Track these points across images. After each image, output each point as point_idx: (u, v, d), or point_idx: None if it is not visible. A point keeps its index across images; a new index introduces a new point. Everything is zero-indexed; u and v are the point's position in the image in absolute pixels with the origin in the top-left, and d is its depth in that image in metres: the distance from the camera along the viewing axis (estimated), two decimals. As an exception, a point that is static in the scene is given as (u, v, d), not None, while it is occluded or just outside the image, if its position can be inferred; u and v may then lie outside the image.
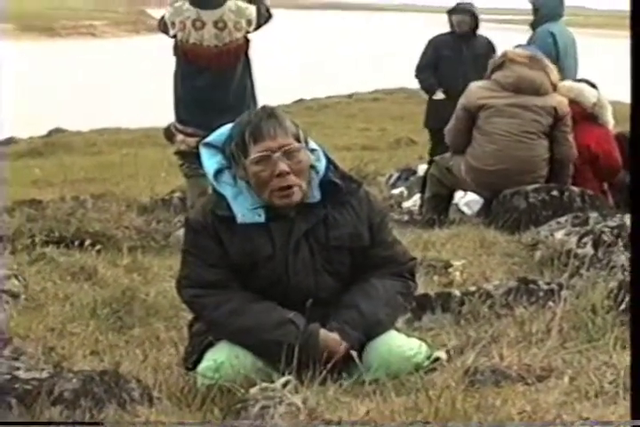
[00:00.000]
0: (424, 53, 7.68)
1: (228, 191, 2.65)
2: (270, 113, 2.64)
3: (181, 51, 5.50)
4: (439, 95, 7.47)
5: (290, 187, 2.60)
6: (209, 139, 2.75)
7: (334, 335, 2.59)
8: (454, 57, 7.43)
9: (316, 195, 2.67)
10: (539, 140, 5.15)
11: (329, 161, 2.74)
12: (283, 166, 2.58)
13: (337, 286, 2.70)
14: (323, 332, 2.59)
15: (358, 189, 2.74)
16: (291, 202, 2.62)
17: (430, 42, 7.71)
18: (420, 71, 7.66)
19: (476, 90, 5.27)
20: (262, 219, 2.63)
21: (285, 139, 2.60)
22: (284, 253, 2.64)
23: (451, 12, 7.60)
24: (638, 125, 1.94)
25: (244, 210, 2.63)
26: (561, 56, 6.74)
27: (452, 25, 7.61)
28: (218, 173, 2.68)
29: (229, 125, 2.72)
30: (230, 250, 2.64)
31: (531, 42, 6.80)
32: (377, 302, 2.67)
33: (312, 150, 2.70)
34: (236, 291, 2.65)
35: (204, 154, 2.73)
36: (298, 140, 2.64)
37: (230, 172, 2.67)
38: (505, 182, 5.01)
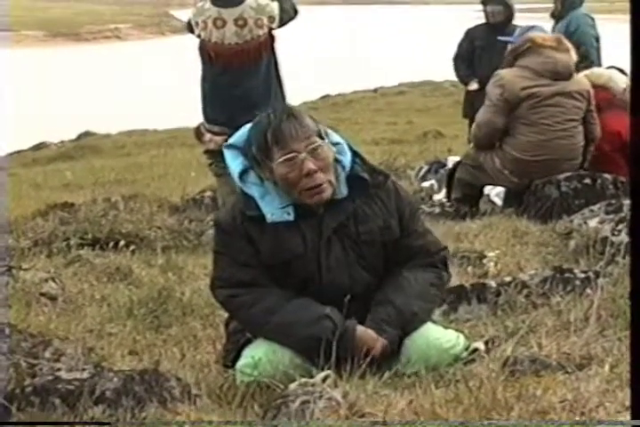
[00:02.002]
0: (460, 44, 7.81)
1: (255, 191, 2.65)
2: (289, 113, 2.61)
3: (204, 50, 5.52)
4: (473, 86, 7.54)
5: (320, 185, 2.59)
6: (231, 140, 2.75)
7: (371, 332, 2.58)
8: (488, 47, 7.45)
9: (344, 190, 2.66)
10: (579, 126, 5.10)
11: (354, 154, 2.72)
12: (310, 165, 2.57)
13: (372, 281, 2.69)
14: (359, 328, 2.58)
15: (386, 181, 2.73)
16: (322, 199, 2.61)
17: (466, 33, 7.82)
18: (456, 62, 7.79)
19: (515, 79, 5.06)
20: (292, 217, 2.62)
21: (308, 137, 2.59)
22: (315, 251, 2.64)
23: (485, 2, 7.62)
24: (638, 127, 1.89)
25: (273, 209, 2.62)
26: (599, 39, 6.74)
27: (486, 15, 7.63)
28: (243, 173, 2.67)
29: (249, 126, 2.71)
30: (262, 249, 2.64)
31: (567, 28, 6.76)
32: (411, 296, 2.66)
33: (335, 144, 2.68)
34: (270, 289, 2.65)
35: (228, 156, 2.73)
36: (320, 136, 2.62)
37: (255, 172, 2.66)
38: (548, 172, 4.92)
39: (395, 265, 2.71)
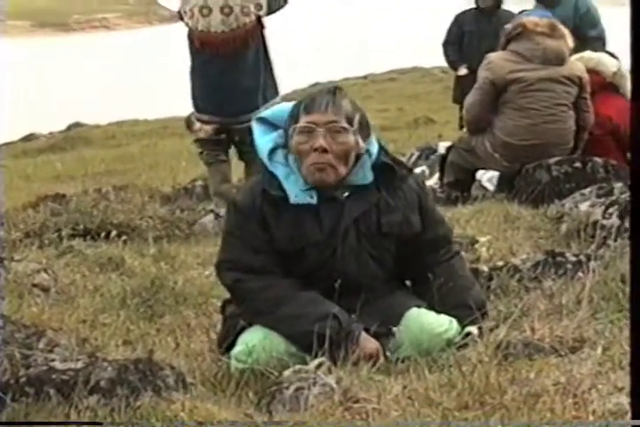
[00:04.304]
0: (449, 29, 7.86)
1: (279, 171, 2.61)
2: (331, 89, 2.63)
3: (192, 38, 5.51)
4: (462, 71, 7.57)
5: (323, 163, 2.55)
6: (264, 114, 2.72)
7: (374, 342, 2.55)
8: (477, 32, 7.48)
9: (369, 176, 2.63)
10: (569, 111, 5.09)
11: (381, 146, 2.70)
12: (322, 142, 2.54)
13: (380, 273, 2.68)
14: (364, 335, 2.55)
15: (409, 174, 2.72)
16: (322, 180, 2.57)
17: (455, 18, 7.87)
18: (445, 47, 7.83)
19: (503, 63, 5.08)
20: (314, 200, 2.58)
21: (335, 116, 2.57)
22: (332, 239, 2.60)
23: None
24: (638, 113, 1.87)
25: (297, 190, 2.58)
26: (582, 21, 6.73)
27: (475, 0, 7.65)
28: (271, 152, 2.63)
29: (289, 103, 2.69)
30: (277, 235, 2.60)
31: (576, 10, 6.72)
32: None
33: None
34: (280, 277, 2.62)
35: (257, 130, 2.68)
36: (350, 121, 2.60)
37: (283, 151, 2.62)
38: (538, 156, 4.92)
39: (421, 255, 2.71)
